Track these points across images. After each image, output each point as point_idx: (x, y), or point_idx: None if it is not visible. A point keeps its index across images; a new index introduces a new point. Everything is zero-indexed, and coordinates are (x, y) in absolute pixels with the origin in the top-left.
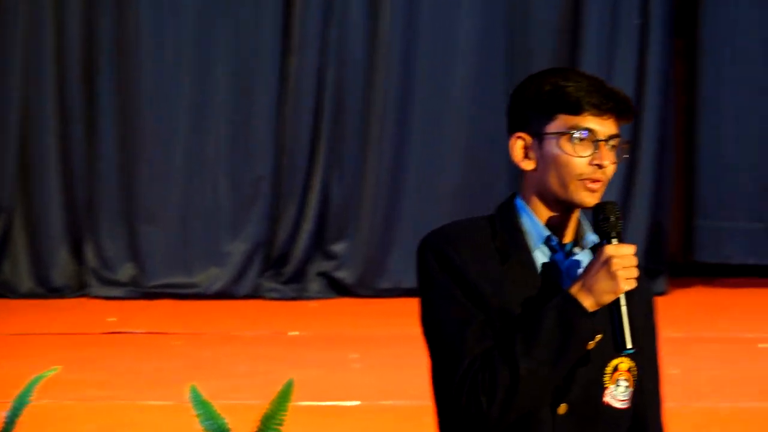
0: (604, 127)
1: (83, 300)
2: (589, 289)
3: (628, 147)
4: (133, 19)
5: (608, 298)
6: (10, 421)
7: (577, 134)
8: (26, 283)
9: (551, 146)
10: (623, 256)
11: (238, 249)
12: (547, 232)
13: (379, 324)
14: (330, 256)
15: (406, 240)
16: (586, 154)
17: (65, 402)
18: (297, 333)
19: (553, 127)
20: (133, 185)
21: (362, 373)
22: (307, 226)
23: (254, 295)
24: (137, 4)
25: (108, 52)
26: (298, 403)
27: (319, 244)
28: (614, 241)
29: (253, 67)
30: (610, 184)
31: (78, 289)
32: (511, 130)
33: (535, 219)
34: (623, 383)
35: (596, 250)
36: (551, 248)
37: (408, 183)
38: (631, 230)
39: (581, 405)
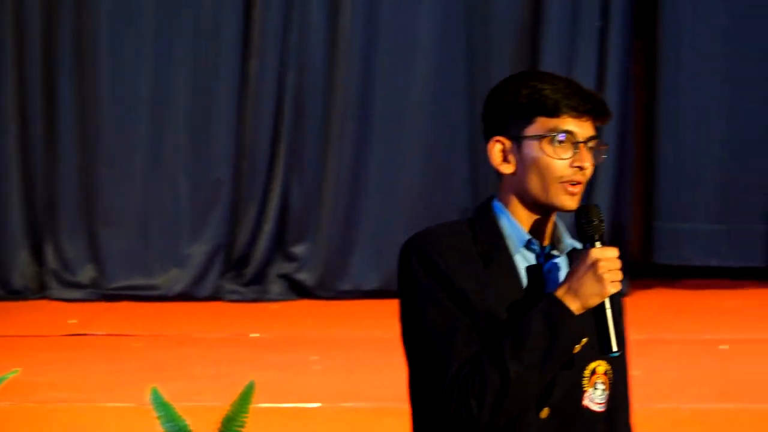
0: (582, 129)
1: (43, 302)
2: (575, 293)
3: (606, 148)
4: (92, 20)
5: (594, 301)
6: None
7: (558, 136)
8: None
9: (531, 149)
10: (609, 259)
11: (198, 251)
12: (527, 236)
13: (340, 326)
14: (290, 258)
15: (366, 242)
16: (567, 156)
17: (25, 405)
18: (258, 335)
19: (532, 130)
20: (94, 187)
21: (323, 375)
22: (268, 228)
23: (215, 296)
24: (97, 5)
25: (68, 53)
26: (259, 405)
27: (279, 247)
28: (598, 244)
29: (213, 71)
30: None
31: (38, 291)
32: (489, 134)
33: (515, 222)
34: (600, 386)
35: (573, 253)
36: (531, 251)
37: (368, 185)
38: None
39: (562, 409)
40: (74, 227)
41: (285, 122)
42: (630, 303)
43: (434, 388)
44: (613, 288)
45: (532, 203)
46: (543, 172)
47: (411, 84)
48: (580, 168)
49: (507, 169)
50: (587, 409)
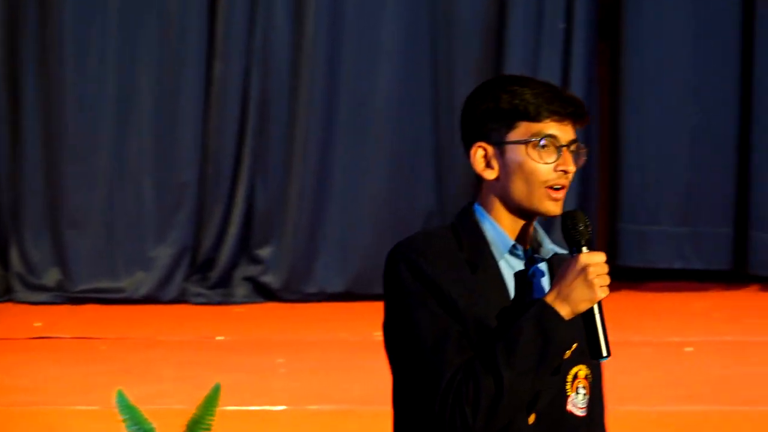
0: (564, 132)
1: (8, 305)
2: (565, 298)
3: (586, 151)
4: (57, 21)
5: (584, 306)
6: None
7: (543, 141)
8: None
9: (514, 154)
10: (598, 264)
11: (163, 254)
12: (511, 241)
13: (306, 329)
14: (256, 261)
15: (331, 246)
16: (551, 160)
17: None
18: (223, 338)
19: (515, 135)
20: (58, 190)
21: (288, 378)
22: (233, 231)
23: (180, 299)
24: (61, 6)
25: (32, 55)
26: (225, 407)
27: (245, 249)
28: (585, 249)
29: (177, 74)
30: None
31: (3, 294)
32: (469, 140)
33: (498, 228)
34: (582, 390)
35: (555, 258)
36: (515, 257)
37: (333, 189)
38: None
39: (547, 414)
40: (39, 230)
41: (250, 126)
42: None
43: (427, 396)
44: (603, 293)
45: (515, 208)
46: (528, 177)
47: (376, 88)
48: (565, 172)
49: (490, 174)
50: (571, 414)
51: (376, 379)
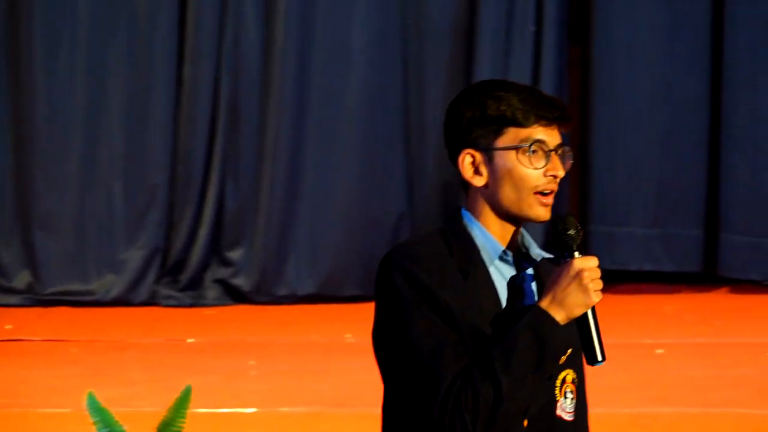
0: (551, 137)
1: None
2: (560, 303)
3: (572, 153)
4: (26, 24)
5: (579, 311)
6: None
7: (532, 147)
8: None
9: (503, 160)
10: (591, 268)
11: (134, 256)
12: (501, 247)
13: (276, 331)
14: (226, 263)
15: (302, 247)
16: (540, 165)
17: None
18: (194, 340)
19: (504, 141)
20: (28, 192)
21: (259, 380)
22: (204, 233)
23: (151, 302)
24: (32, 8)
25: (2, 58)
26: (196, 410)
27: (215, 251)
28: (577, 254)
29: (148, 76)
30: None
31: None
32: (456, 147)
33: (487, 234)
34: (569, 395)
35: (543, 263)
36: (505, 262)
37: (304, 190)
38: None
39: (538, 420)
40: (9, 232)
41: (220, 127)
42: None
43: (426, 404)
44: (597, 297)
45: (504, 214)
46: (518, 183)
47: (346, 89)
48: (554, 176)
49: (479, 181)
50: (560, 419)
51: (348, 381)
